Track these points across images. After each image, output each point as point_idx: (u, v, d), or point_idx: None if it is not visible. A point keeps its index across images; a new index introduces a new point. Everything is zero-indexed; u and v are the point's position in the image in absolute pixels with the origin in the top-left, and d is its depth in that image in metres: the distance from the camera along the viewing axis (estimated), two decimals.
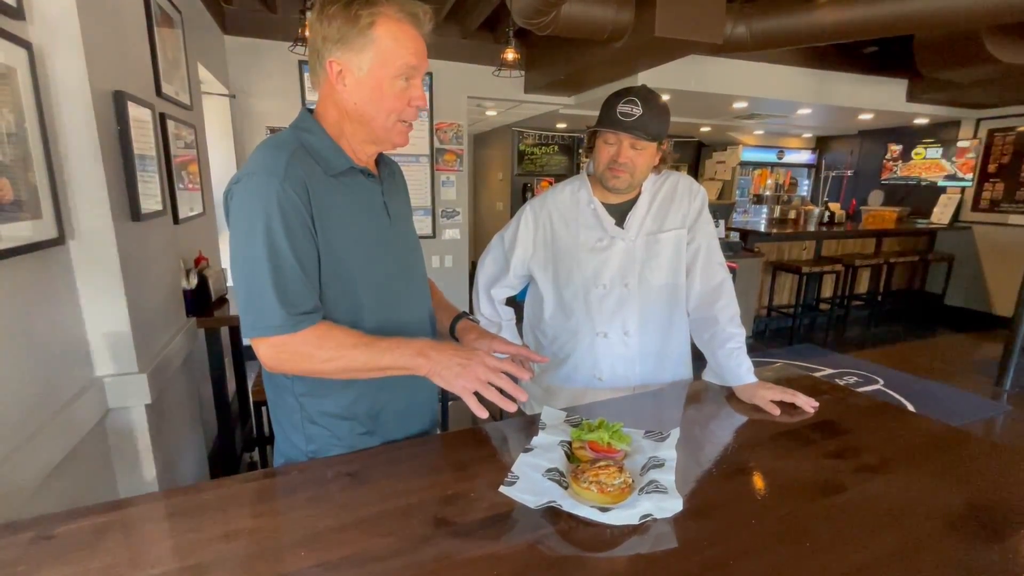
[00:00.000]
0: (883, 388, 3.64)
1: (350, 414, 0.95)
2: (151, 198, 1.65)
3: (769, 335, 4.92)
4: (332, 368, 0.85)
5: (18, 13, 1.12)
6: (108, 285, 1.38)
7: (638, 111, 1.16)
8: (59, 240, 1.23)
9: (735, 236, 4.71)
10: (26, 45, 1.12)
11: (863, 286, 5.48)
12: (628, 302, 1.31)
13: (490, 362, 0.86)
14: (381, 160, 1.01)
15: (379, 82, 0.85)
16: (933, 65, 4.08)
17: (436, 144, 4.43)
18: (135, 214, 1.51)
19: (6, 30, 1.06)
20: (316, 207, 0.84)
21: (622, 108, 1.18)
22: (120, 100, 1.45)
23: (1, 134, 1.04)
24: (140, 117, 1.59)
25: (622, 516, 0.75)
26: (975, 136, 5.41)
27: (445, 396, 2.38)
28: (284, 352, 0.83)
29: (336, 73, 0.86)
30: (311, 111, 0.93)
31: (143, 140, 1.61)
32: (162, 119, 1.86)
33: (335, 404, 0.94)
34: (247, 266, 0.82)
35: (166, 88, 1.95)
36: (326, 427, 0.95)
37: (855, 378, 3.81)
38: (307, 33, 2.78)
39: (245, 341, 0.85)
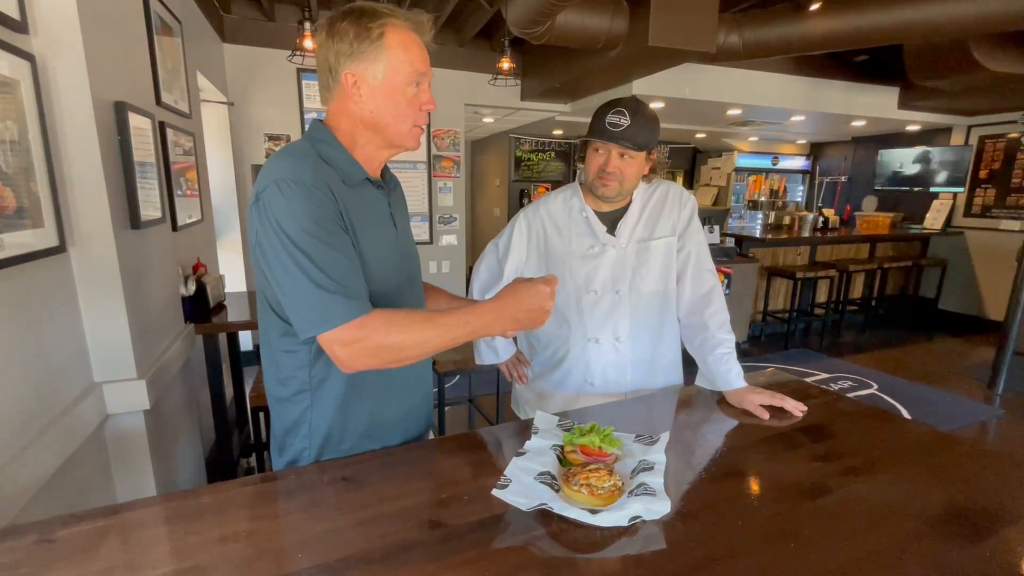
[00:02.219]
0: (877, 392, 3.66)
1: (352, 422, 0.97)
2: (150, 206, 1.67)
3: (764, 340, 4.95)
4: (409, 353, 0.84)
5: (22, 26, 1.14)
6: (108, 292, 1.40)
7: (626, 121, 1.19)
8: (60, 248, 1.24)
9: (730, 242, 4.74)
10: (29, 57, 1.15)
11: (857, 291, 5.53)
12: (619, 308, 1.33)
13: (548, 301, 0.91)
14: (386, 172, 1.03)
15: (393, 89, 0.89)
16: (923, 73, 4.14)
17: (433, 151, 4.46)
18: (135, 222, 1.53)
19: (10, 43, 1.09)
20: (342, 213, 0.86)
21: (610, 119, 1.21)
22: (121, 110, 1.47)
23: (4, 144, 1.06)
24: (140, 126, 1.61)
25: (612, 518, 0.77)
26: (966, 142, 5.48)
27: (442, 401, 2.39)
28: (361, 342, 0.81)
29: (352, 84, 0.89)
30: (322, 122, 0.95)
31: (143, 148, 1.63)
32: (161, 127, 1.88)
33: (337, 413, 0.96)
34: (298, 266, 0.81)
35: (165, 97, 1.97)
36: (327, 434, 0.96)
37: (849, 383, 3.84)
38: (313, 50, 2.82)
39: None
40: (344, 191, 0.89)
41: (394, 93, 0.89)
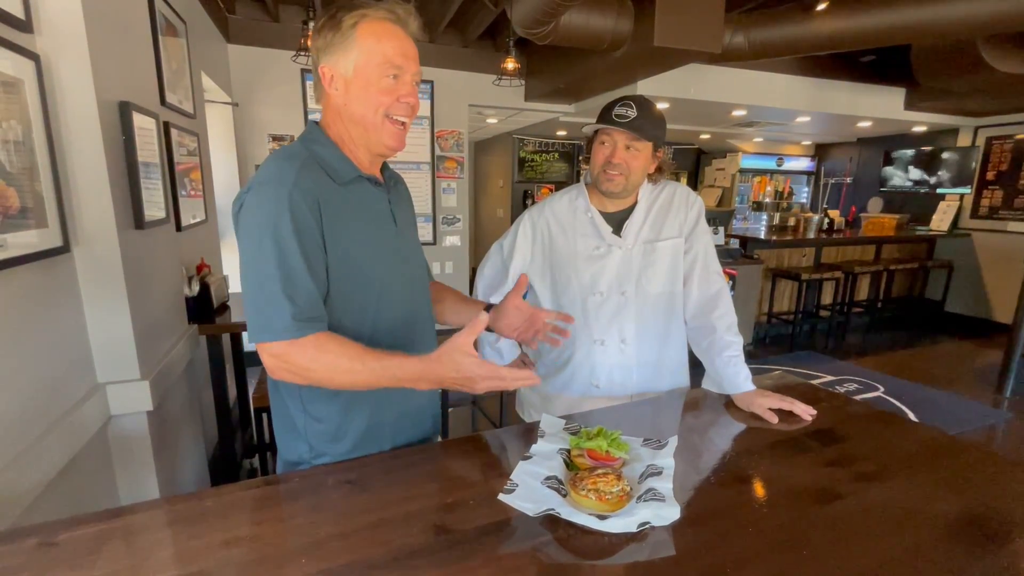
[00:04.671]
0: (883, 395, 3.64)
1: (353, 423, 0.96)
2: (154, 206, 1.67)
3: (769, 342, 4.92)
4: (328, 383, 0.85)
5: (26, 26, 1.14)
6: (111, 292, 1.39)
7: (632, 113, 1.19)
8: (64, 248, 1.24)
9: (735, 243, 4.72)
10: (34, 57, 1.14)
11: (863, 293, 5.49)
12: (625, 310, 1.32)
13: (485, 384, 0.83)
14: (385, 170, 1.03)
15: (365, 80, 0.88)
16: (930, 74, 4.11)
17: (437, 152, 4.46)
18: (139, 222, 1.53)
19: (14, 42, 1.08)
20: (327, 216, 0.86)
21: (617, 110, 1.21)
22: (125, 110, 1.47)
23: (8, 144, 1.05)
24: (144, 126, 1.61)
25: (620, 524, 0.75)
26: (973, 143, 5.44)
27: (445, 402, 2.39)
28: (282, 361, 0.83)
29: (329, 79, 0.90)
30: (317, 123, 0.95)
31: (147, 149, 1.63)
32: (166, 127, 1.88)
33: (336, 413, 0.95)
34: (257, 271, 0.82)
35: (170, 97, 1.97)
36: (327, 435, 0.95)
37: (855, 385, 3.81)
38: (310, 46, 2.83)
39: (249, 346, 0.86)
40: (334, 190, 0.88)
41: (367, 84, 0.88)
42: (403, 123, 0.93)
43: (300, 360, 0.82)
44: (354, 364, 0.82)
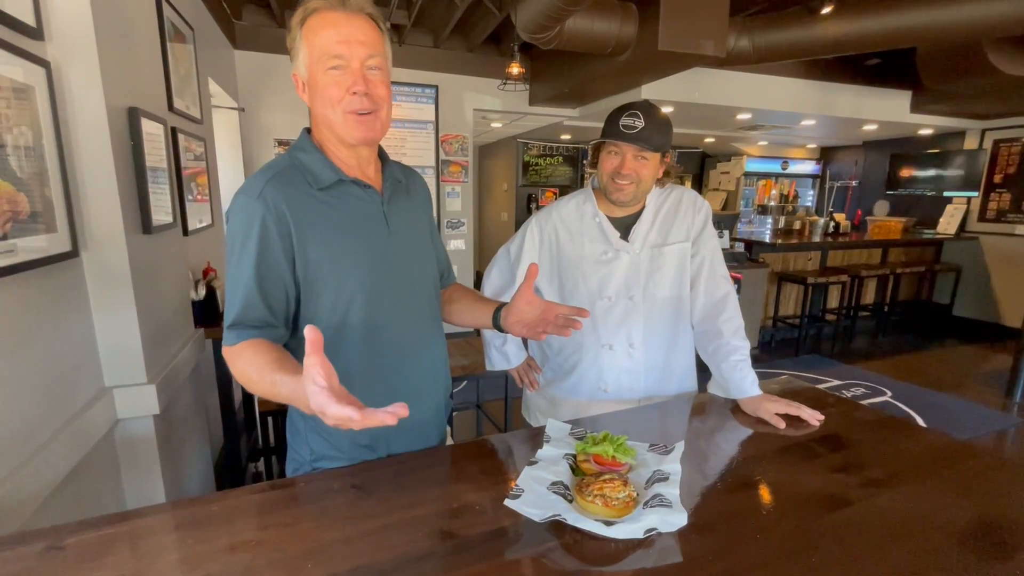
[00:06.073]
0: (891, 400, 3.61)
1: (349, 432, 0.95)
2: (162, 210, 1.68)
3: (775, 346, 4.89)
4: (248, 389, 0.85)
5: (37, 33, 1.15)
6: (119, 297, 1.40)
7: (640, 123, 1.19)
8: (73, 253, 1.25)
9: (740, 247, 4.71)
10: (44, 64, 1.16)
11: (870, 297, 5.46)
12: (633, 314, 1.32)
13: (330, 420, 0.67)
14: (388, 172, 0.99)
15: (315, 78, 0.86)
16: (936, 77, 4.10)
17: (441, 156, 4.47)
18: (146, 227, 1.54)
19: (25, 50, 1.10)
20: (296, 224, 0.86)
21: (624, 121, 1.20)
22: (134, 116, 1.48)
23: (19, 149, 1.06)
24: (152, 132, 1.62)
25: (627, 530, 0.75)
26: (980, 145, 5.41)
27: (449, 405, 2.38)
28: (227, 364, 0.86)
29: (300, 86, 0.90)
30: (308, 130, 0.97)
31: (155, 154, 1.64)
32: (173, 133, 1.89)
33: None
34: (228, 279, 0.87)
35: (178, 103, 1.98)
36: (327, 438, 0.96)
37: (862, 390, 3.78)
38: None
39: None
40: (309, 197, 0.88)
41: (316, 83, 0.86)
42: (369, 112, 0.87)
43: (229, 366, 0.85)
44: (252, 374, 0.80)
